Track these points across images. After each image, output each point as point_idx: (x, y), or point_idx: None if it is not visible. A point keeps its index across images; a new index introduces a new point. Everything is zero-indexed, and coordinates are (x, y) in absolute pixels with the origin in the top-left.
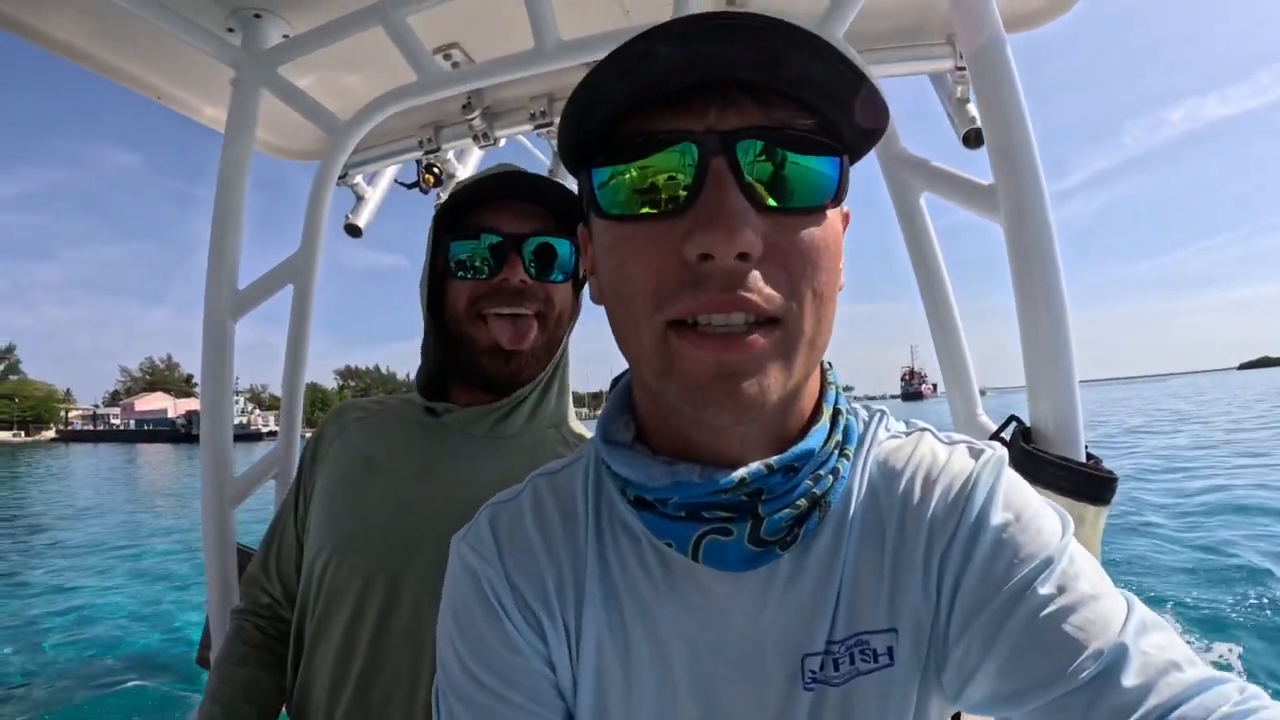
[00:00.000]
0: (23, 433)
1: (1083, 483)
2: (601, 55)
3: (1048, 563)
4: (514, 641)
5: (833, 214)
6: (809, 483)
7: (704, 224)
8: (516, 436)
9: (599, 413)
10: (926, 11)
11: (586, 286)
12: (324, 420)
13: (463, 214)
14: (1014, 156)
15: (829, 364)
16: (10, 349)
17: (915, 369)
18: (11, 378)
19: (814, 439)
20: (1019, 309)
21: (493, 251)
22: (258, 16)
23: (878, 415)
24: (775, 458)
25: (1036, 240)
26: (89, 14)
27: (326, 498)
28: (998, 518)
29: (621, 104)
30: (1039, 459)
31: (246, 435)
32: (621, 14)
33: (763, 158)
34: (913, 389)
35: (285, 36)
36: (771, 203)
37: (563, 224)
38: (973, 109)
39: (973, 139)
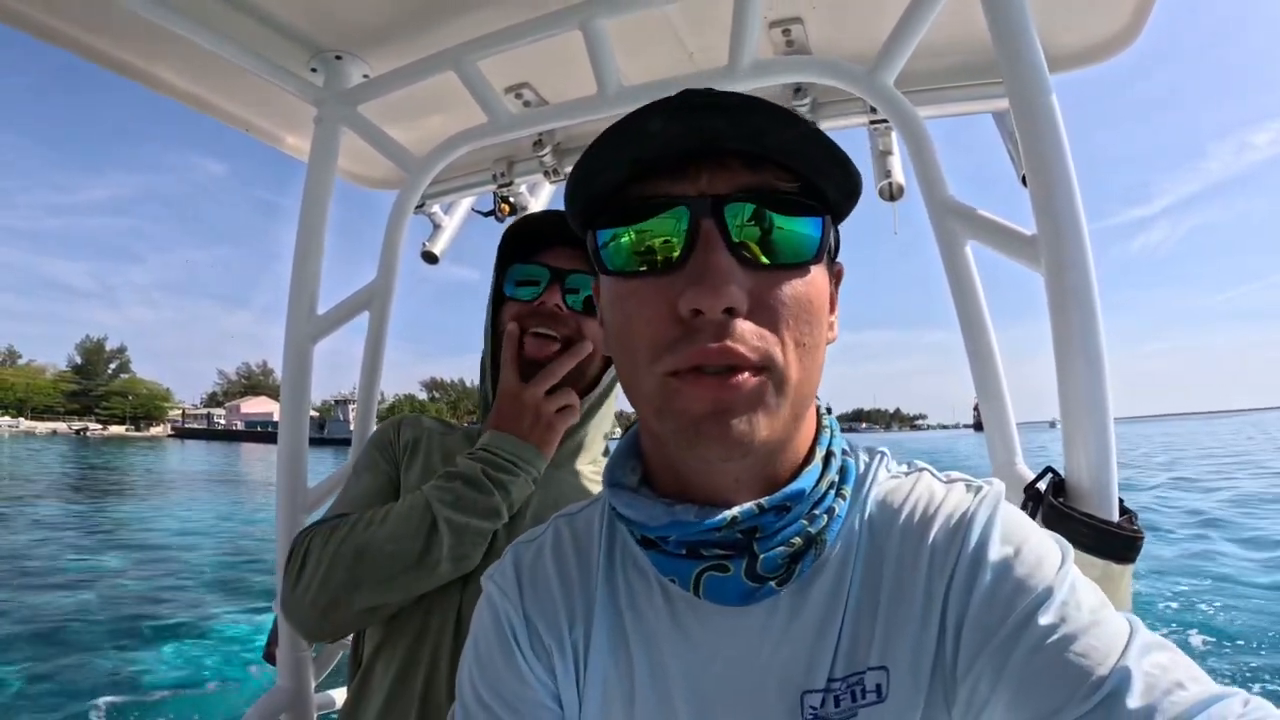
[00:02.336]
0: (134, 428)
1: (1106, 541)
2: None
3: (1049, 593)
4: (523, 674)
5: (818, 271)
6: (804, 522)
7: (694, 282)
8: (561, 469)
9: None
10: (981, 50)
11: None
12: (399, 420)
13: (521, 246)
14: (1056, 206)
15: (827, 409)
16: (122, 349)
17: None
18: (122, 376)
19: (805, 480)
20: (1057, 361)
21: (538, 279)
22: (339, 58)
23: (878, 456)
24: (766, 498)
25: (1076, 292)
26: (183, 56)
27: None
28: (997, 551)
29: (624, 171)
30: (1064, 514)
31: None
32: (685, 58)
33: (750, 219)
34: (982, 420)
35: (365, 76)
36: (758, 260)
37: None
38: (1020, 147)
39: None
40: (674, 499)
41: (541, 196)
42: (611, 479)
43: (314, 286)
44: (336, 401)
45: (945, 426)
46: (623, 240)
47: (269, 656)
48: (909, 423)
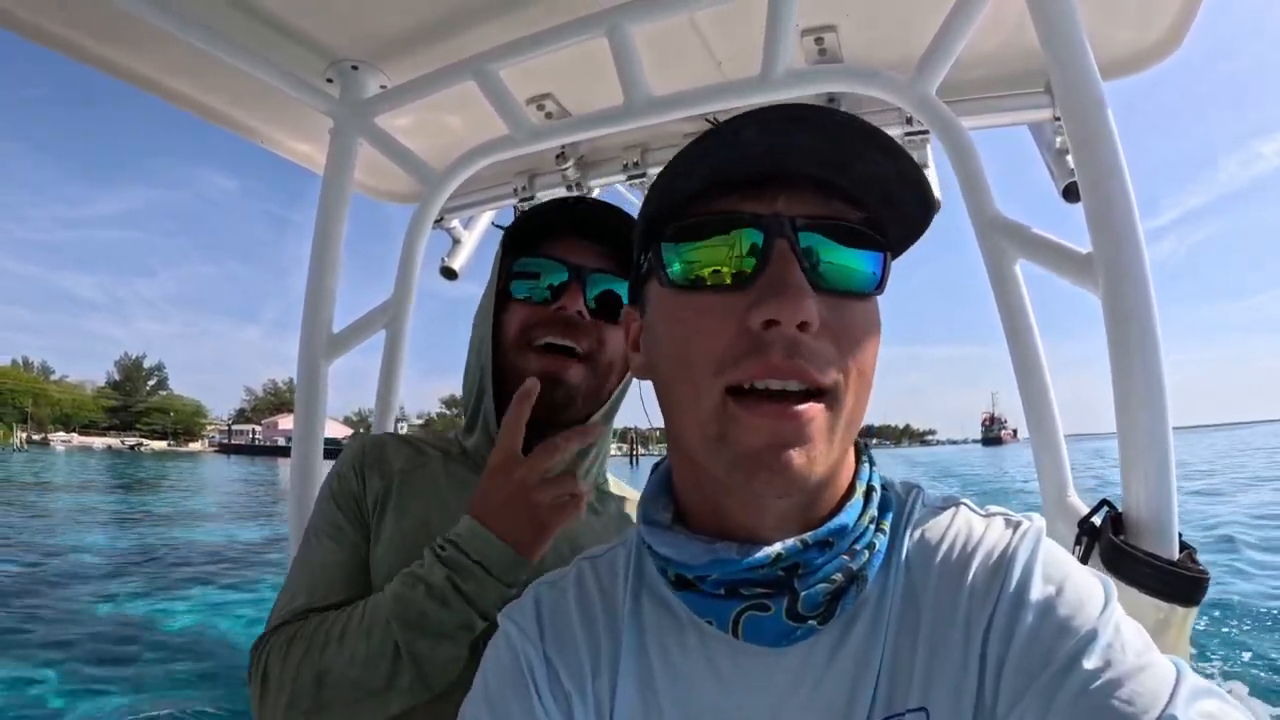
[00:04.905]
0: (175, 444)
1: (1170, 582)
2: (691, 111)
3: (1093, 635)
4: (537, 717)
5: (875, 305)
6: (845, 558)
7: (770, 294)
8: None
9: (624, 447)
10: (1023, 59)
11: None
12: (361, 448)
13: (530, 240)
14: (1112, 221)
15: (865, 444)
16: (160, 366)
17: (996, 415)
18: (161, 393)
19: (848, 515)
20: (1115, 388)
21: (556, 278)
22: (355, 68)
23: (914, 491)
24: (810, 533)
25: (1136, 314)
26: (197, 66)
27: (391, 558)
28: (1039, 590)
29: (704, 180)
30: (1127, 554)
31: None
32: (714, 68)
33: (820, 244)
34: (993, 434)
35: (383, 87)
36: (827, 284)
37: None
38: (1072, 161)
39: (1073, 192)
40: (711, 536)
41: None
42: (646, 516)
43: (329, 303)
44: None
45: (955, 441)
46: (690, 253)
47: None
48: (919, 438)
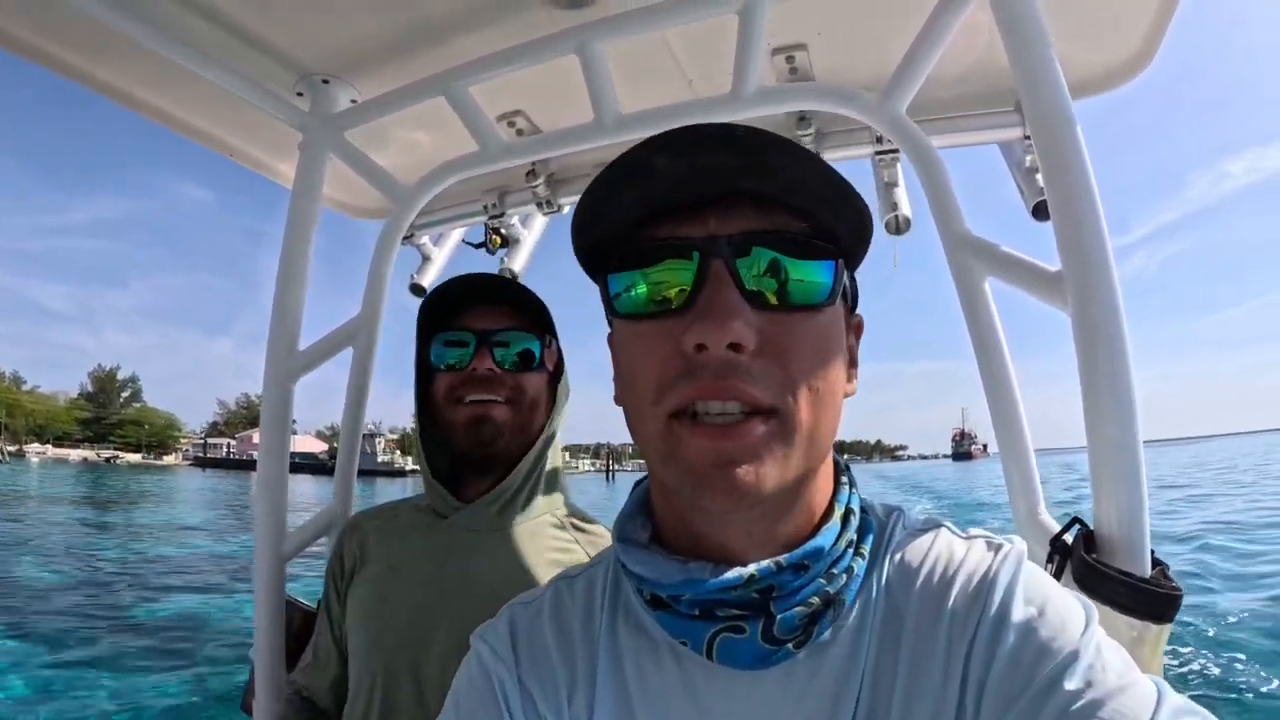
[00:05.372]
0: (149, 457)
1: (1144, 600)
2: (661, 129)
3: (1074, 656)
4: None
5: (832, 315)
6: (822, 581)
7: (699, 317)
8: (516, 526)
9: (599, 463)
10: (993, 78)
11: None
12: (342, 533)
13: (441, 314)
14: (1082, 239)
15: (845, 465)
16: (134, 378)
17: (966, 430)
18: (134, 405)
19: (824, 537)
20: (1085, 406)
21: (465, 346)
22: (326, 82)
23: (895, 513)
24: (785, 555)
25: (1106, 332)
26: (166, 77)
27: (363, 604)
28: (1020, 612)
29: (632, 213)
30: (1100, 572)
31: (392, 472)
32: (684, 86)
33: (759, 260)
34: (963, 449)
35: (353, 101)
36: (768, 301)
37: (529, 321)
38: (1042, 179)
39: (1043, 211)
40: (686, 556)
41: (534, 228)
42: (621, 534)
43: (296, 320)
44: (364, 435)
45: (925, 457)
46: (632, 285)
47: (246, 707)
48: (890, 453)
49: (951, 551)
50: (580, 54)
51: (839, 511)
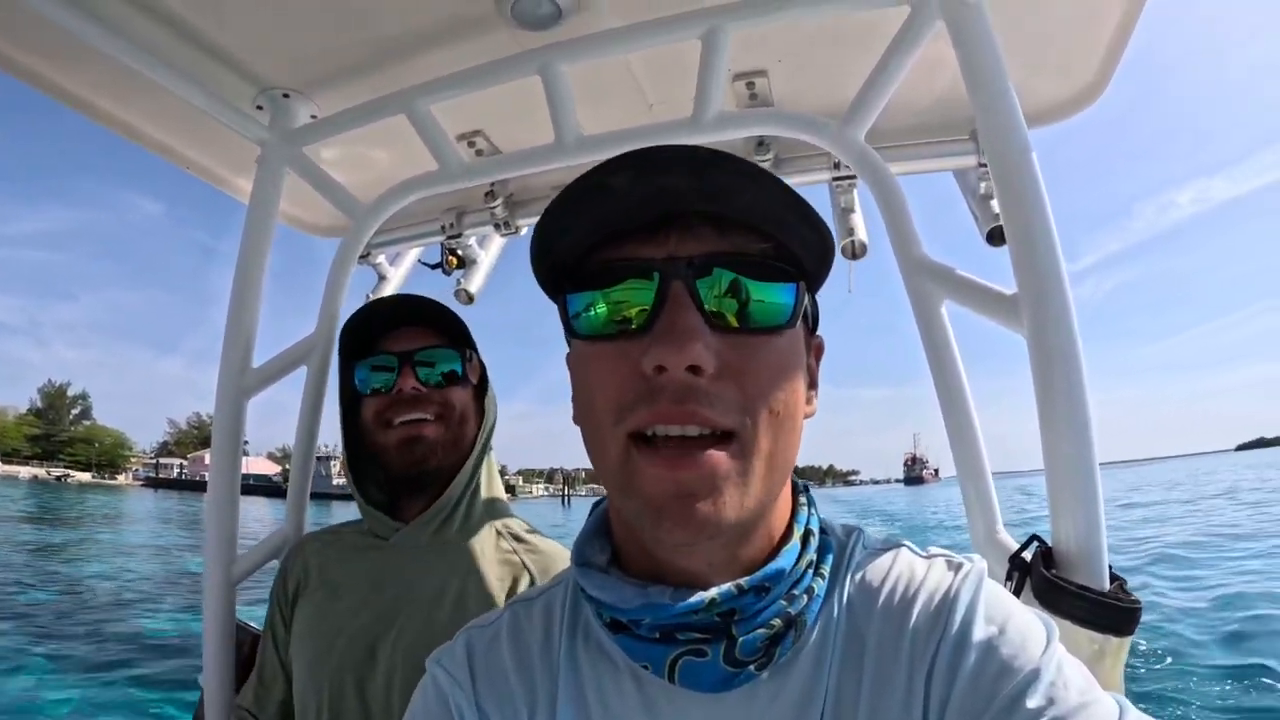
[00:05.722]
0: (100, 476)
1: (1104, 614)
2: (617, 152)
3: (1035, 674)
4: None
5: (792, 338)
6: (783, 603)
7: (658, 340)
8: (457, 540)
9: (553, 488)
10: (949, 107)
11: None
12: (287, 555)
13: (361, 341)
14: (1037, 264)
15: (804, 486)
16: (84, 395)
17: (917, 455)
18: (85, 423)
19: (784, 559)
20: (1041, 425)
21: (390, 370)
22: (286, 96)
23: (855, 533)
24: (745, 579)
25: (1061, 353)
26: (124, 84)
27: (305, 625)
28: (981, 631)
29: (593, 233)
30: (1060, 587)
31: (347, 496)
32: (645, 109)
33: (719, 282)
34: (914, 474)
35: (313, 117)
36: (727, 323)
37: (449, 338)
38: (995, 206)
39: (997, 237)
40: (646, 579)
41: (491, 249)
42: (580, 558)
43: (250, 338)
44: (319, 458)
45: (877, 481)
46: (591, 305)
47: None
48: (842, 478)
49: (912, 571)
50: (543, 75)
51: (799, 533)
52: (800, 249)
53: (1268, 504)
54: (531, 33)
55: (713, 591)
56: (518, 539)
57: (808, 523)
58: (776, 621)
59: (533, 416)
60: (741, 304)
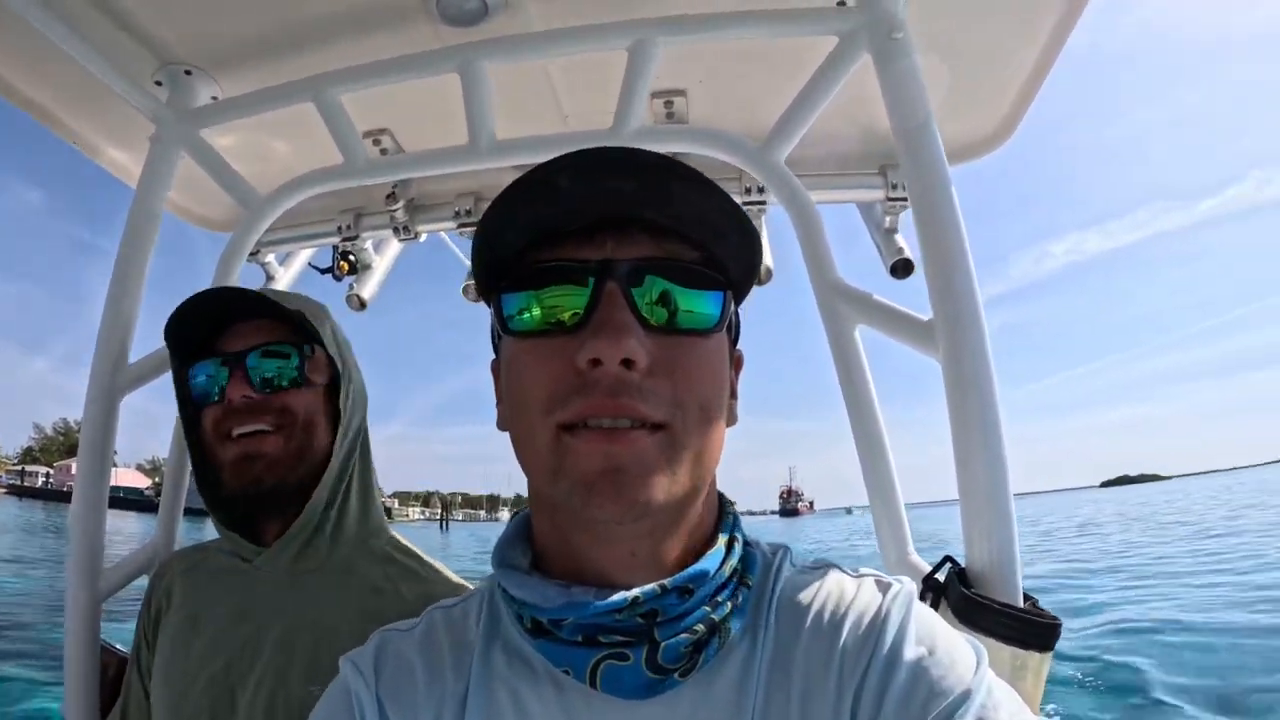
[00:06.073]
0: None
1: (1028, 630)
2: (537, 159)
3: (966, 695)
4: None
5: (718, 343)
6: (706, 608)
7: (593, 334)
8: (325, 564)
9: (430, 511)
10: (860, 140)
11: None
12: (152, 577)
13: (188, 342)
14: (955, 292)
15: (730, 500)
16: None
17: (793, 488)
18: None
19: (709, 561)
20: (955, 448)
21: (218, 374)
22: (188, 73)
23: (782, 550)
24: (669, 579)
25: (975, 378)
26: (12, 41)
27: (163, 658)
28: (911, 651)
29: (528, 233)
30: (981, 605)
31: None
32: (560, 120)
33: (652, 289)
34: (790, 506)
35: (214, 98)
36: (658, 323)
37: (286, 332)
38: (900, 240)
39: (900, 269)
40: (568, 581)
41: (387, 255)
42: (502, 560)
43: (128, 329)
44: None
45: (754, 513)
46: (526, 305)
47: None
48: None
49: (842, 590)
50: (462, 74)
51: (723, 539)
52: (730, 259)
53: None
54: (455, 28)
55: (636, 590)
56: (394, 564)
57: (732, 530)
58: (700, 626)
59: (409, 439)
60: (671, 312)
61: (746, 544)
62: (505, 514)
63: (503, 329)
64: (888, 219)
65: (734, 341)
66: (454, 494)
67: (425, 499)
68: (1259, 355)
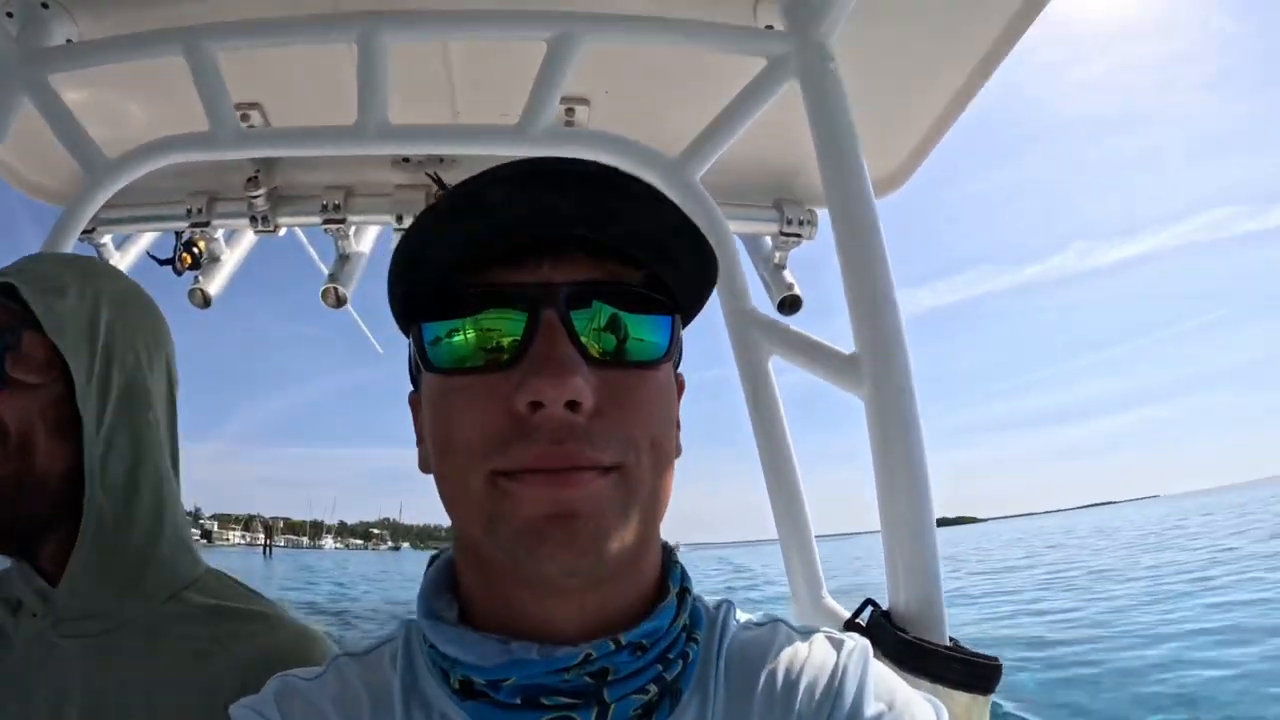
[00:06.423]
0: None
1: (973, 673)
2: (430, 149)
3: None
4: None
5: (666, 374)
6: (658, 666)
7: (534, 373)
8: (113, 632)
9: (251, 536)
10: (757, 172)
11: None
12: None
13: None
14: (882, 326)
15: (674, 546)
16: None
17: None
18: None
19: (662, 617)
20: (879, 487)
21: None
22: (45, 7)
23: (725, 605)
24: (624, 634)
25: (902, 414)
26: None
27: None
28: (871, 709)
29: (458, 252)
30: (922, 649)
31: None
32: (450, 112)
33: (599, 315)
34: None
35: (69, 40)
36: (603, 356)
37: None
38: (788, 275)
39: (787, 305)
40: (504, 636)
41: (239, 248)
42: (429, 611)
43: None
44: None
45: None
46: (453, 334)
47: None
48: None
49: (794, 649)
50: (361, 46)
51: (674, 590)
52: (676, 280)
53: None
54: None
55: (587, 646)
56: (216, 615)
57: (682, 581)
58: (651, 687)
59: (231, 456)
60: (620, 340)
61: (692, 594)
62: (329, 541)
63: (424, 362)
64: (778, 254)
65: (676, 365)
66: (276, 518)
67: (246, 522)
68: (1066, 410)
